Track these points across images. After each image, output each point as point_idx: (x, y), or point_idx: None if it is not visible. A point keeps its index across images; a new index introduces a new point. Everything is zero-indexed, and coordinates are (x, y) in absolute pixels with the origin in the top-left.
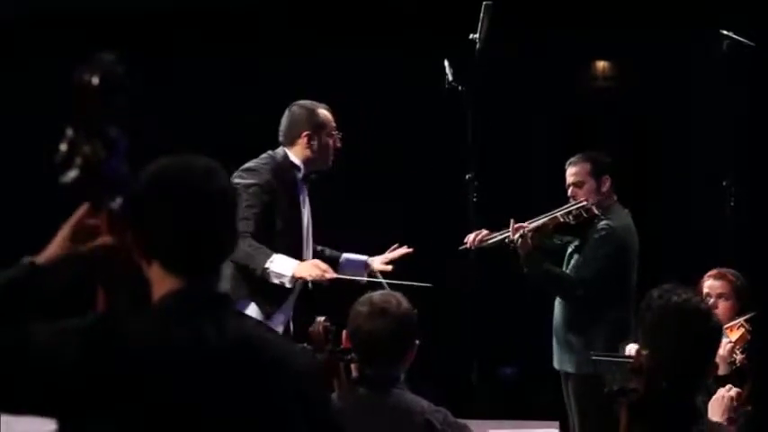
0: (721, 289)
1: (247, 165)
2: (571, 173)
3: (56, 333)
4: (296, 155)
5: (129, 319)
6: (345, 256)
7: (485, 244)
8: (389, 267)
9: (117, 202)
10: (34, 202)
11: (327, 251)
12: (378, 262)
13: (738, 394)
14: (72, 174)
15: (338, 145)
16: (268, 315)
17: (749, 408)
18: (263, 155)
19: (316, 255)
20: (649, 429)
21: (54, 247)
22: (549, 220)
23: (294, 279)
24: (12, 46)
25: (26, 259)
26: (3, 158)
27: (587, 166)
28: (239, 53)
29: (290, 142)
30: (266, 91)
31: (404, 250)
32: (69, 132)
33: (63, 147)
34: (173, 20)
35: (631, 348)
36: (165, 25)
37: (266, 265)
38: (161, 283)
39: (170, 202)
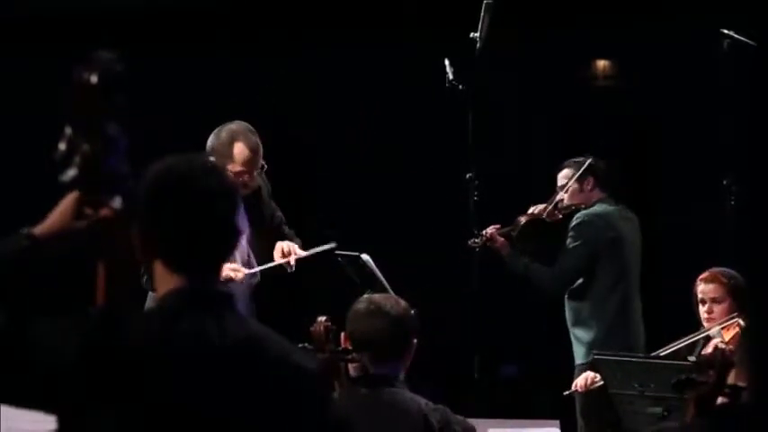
0: (714, 293)
1: None
2: (559, 176)
3: (57, 329)
4: None
5: (131, 317)
6: None
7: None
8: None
9: (117, 201)
10: (33, 201)
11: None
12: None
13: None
14: (71, 172)
15: (245, 180)
16: None
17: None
18: None
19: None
20: (714, 424)
21: (53, 220)
22: (522, 216)
23: None
24: (11, 45)
25: (24, 230)
26: (2, 157)
27: (572, 171)
28: (240, 52)
29: None
30: (266, 89)
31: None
32: (68, 131)
33: (62, 145)
34: (173, 17)
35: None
36: (166, 22)
37: None
38: (164, 280)
39: (172, 201)
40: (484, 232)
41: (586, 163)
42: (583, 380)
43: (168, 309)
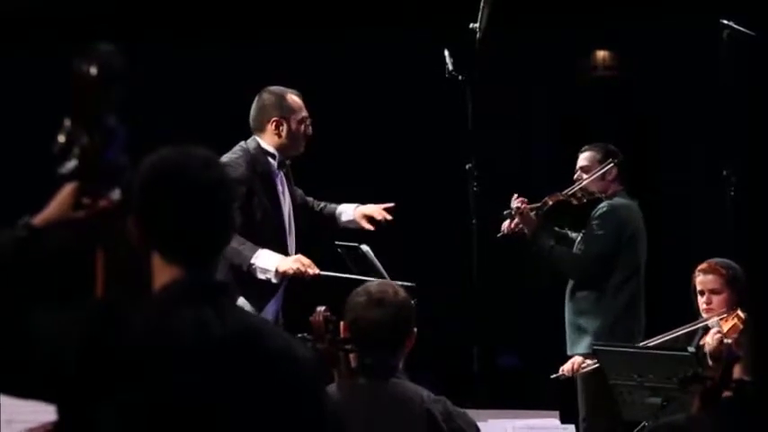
0: (713, 284)
1: (222, 160)
2: (582, 158)
3: (57, 320)
4: (268, 142)
5: (131, 308)
6: (339, 209)
7: (519, 228)
8: (368, 225)
9: (115, 193)
10: (32, 193)
11: (326, 208)
12: (359, 215)
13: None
14: (70, 164)
15: (309, 132)
16: (260, 308)
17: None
18: (236, 147)
19: (316, 214)
20: (720, 418)
21: (51, 211)
22: (549, 197)
23: (278, 274)
24: (10, 37)
25: (24, 220)
26: (1, 149)
27: (597, 155)
28: (237, 42)
29: (260, 129)
30: (265, 79)
31: (384, 213)
32: (67, 123)
33: (61, 137)
34: (175, 6)
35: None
36: (169, 11)
37: (252, 261)
38: (162, 271)
39: (169, 192)
40: (515, 206)
41: (618, 158)
42: (570, 365)
43: (167, 300)
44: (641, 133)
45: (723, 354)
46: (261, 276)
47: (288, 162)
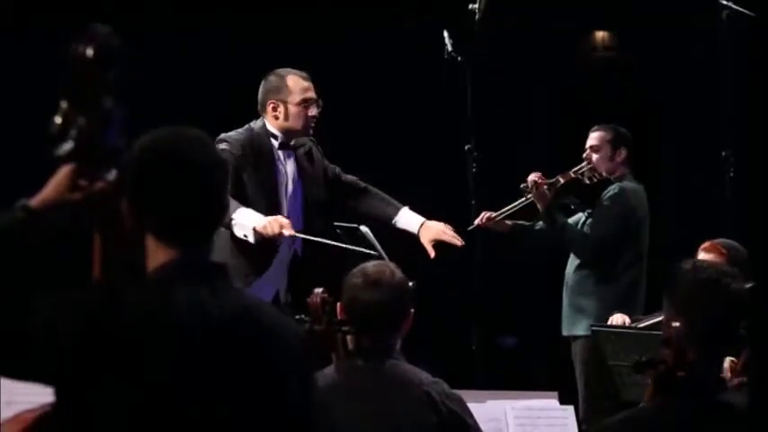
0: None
1: (222, 135)
2: (592, 137)
3: (55, 302)
4: (270, 123)
5: (128, 291)
6: (400, 215)
7: (493, 222)
8: (431, 251)
9: (112, 174)
10: (29, 175)
11: (379, 200)
12: (427, 238)
13: (733, 363)
14: (67, 146)
15: (311, 113)
16: (248, 284)
17: (744, 378)
18: (245, 125)
19: (359, 197)
20: (675, 400)
21: (48, 193)
22: (561, 175)
23: (256, 233)
24: (7, 19)
25: (20, 202)
26: None
27: (608, 135)
28: (236, 26)
29: (263, 110)
30: (265, 62)
31: (456, 241)
32: (64, 104)
33: (58, 119)
34: None
35: (616, 318)
36: None
37: (232, 216)
38: (156, 253)
39: (162, 172)
40: (533, 179)
41: (624, 133)
42: (620, 318)
43: (162, 281)
44: (641, 113)
45: (674, 338)
46: (239, 233)
47: (296, 142)
